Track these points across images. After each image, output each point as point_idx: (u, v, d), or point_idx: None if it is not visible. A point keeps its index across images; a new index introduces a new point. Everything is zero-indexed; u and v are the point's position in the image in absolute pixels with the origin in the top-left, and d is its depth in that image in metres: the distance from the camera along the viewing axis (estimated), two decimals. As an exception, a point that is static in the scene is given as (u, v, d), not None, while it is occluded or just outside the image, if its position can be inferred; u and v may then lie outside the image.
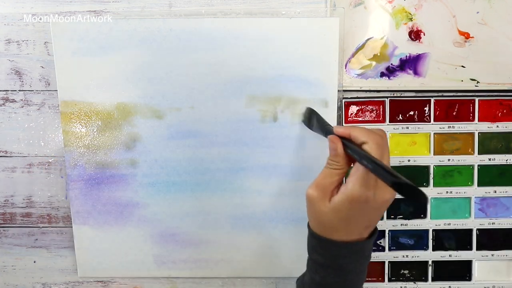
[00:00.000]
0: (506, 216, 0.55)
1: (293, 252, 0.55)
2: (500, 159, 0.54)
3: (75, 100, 0.53)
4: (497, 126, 0.53)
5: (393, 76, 0.53)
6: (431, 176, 0.54)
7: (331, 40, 0.51)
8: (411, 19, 0.51)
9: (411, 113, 0.53)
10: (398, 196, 0.32)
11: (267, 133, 0.53)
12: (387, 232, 0.55)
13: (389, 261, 0.56)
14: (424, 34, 0.52)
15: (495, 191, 0.54)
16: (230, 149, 0.53)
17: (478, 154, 0.54)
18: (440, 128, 0.53)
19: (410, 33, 0.52)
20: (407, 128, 0.53)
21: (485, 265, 0.56)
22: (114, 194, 0.55)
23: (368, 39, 0.52)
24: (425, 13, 0.51)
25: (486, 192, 0.55)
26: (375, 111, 0.54)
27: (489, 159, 0.54)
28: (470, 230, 0.55)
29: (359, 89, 0.53)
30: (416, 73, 0.52)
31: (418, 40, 0.52)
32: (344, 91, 0.53)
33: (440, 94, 0.53)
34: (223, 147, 0.53)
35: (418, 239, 0.56)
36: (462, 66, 0.52)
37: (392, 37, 0.52)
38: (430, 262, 0.56)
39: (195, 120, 0.53)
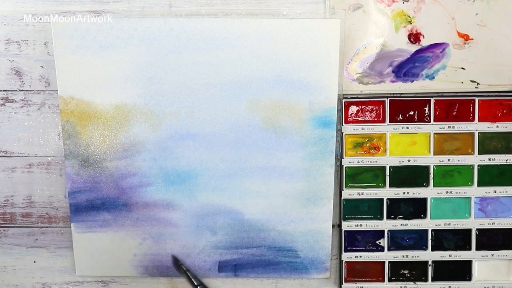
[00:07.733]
0: (506, 216, 0.55)
1: (291, 252, 0.55)
2: (500, 159, 0.54)
3: (75, 99, 0.53)
4: (497, 126, 0.53)
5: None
6: (431, 176, 0.54)
7: (332, 42, 0.51)
8: (410, 22, 0.52)
9: (411, 113, 0.54)
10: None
11: (267, 134, 0.53)
12: (386, 232, 0.55)
13: (389, 261, 0.56)
14: (423, 37, 0.52)
15: (495, 191, 0.55)
16: (229, 150, 0.53)
17: (478, 154, 0.54)
18: (440, 128, 0.54)
19: (409, 36, 0.52)
20: (407, 128, 0.54)
21: (485, 265, 0.56)
22: (112, 193, 0.55)
23: (368, 43, 0.52)
24: (424, 15, 0.51)
25: (486, 192, 0.55)
26: (375, 111, 0.54)
27: (489, 159, 0.54)
28: (470, 230, 0.55)
29: (359, 92, 0.53)
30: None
31: (417, 43, 0.52)
32: (344, 95, 0.53)
33: (440, 94, 0.53)
34: (222, 148, 0.53)
35: (418, 239, 0.56)
36: (462, 68, 0.52)
37: (391, 41, 0.52)
38: (430, 262, 0.56)
39: (194, 120, 0.53)
